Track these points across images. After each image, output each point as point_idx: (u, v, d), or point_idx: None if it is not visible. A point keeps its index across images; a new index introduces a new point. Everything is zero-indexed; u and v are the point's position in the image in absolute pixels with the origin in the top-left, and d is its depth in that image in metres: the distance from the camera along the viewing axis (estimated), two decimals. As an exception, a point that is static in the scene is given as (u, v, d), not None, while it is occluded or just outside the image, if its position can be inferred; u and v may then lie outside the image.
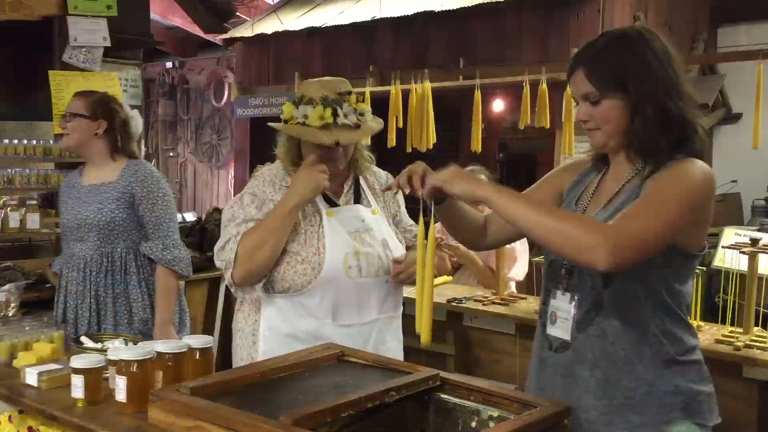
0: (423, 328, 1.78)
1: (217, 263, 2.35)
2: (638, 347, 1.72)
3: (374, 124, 2.39)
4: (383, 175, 2.57)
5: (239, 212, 2.33)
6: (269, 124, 2.41)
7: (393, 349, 2.42)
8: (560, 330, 1.81)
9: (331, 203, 2.39)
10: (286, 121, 2.33)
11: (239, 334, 2.43)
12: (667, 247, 1.65)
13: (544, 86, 5.02)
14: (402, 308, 2.51)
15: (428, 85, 5.38)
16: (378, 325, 2.37)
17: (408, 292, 2.56)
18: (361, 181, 2.48)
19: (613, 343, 1.73)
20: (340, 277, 2.28)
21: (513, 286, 4.19)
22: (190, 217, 7.04)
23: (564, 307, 1.80)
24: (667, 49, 1.71)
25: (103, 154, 3.02)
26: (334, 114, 2.26)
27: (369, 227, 2.38)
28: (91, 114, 2.98)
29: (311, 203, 2.34)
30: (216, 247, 2.35)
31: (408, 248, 2.50)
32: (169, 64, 10.62)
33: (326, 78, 2.41)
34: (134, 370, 1.78)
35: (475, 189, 1.68)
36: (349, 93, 2.33)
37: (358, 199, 2.45)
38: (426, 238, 1.79)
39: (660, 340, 1.72)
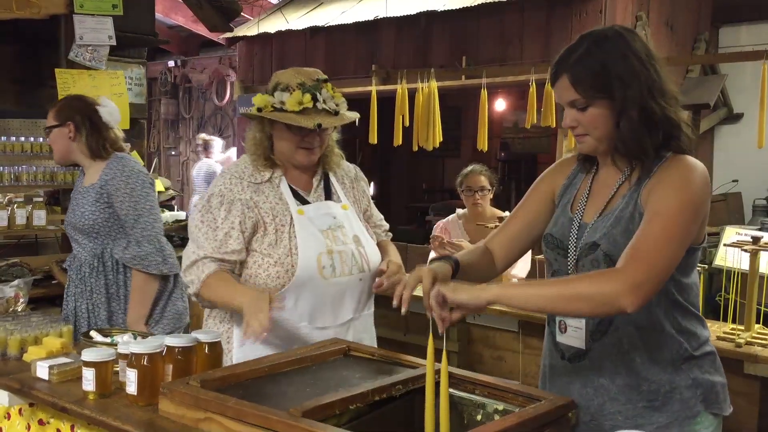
0: None
1: (184, 279, 2.27)
2: (656, 351, 1.73)
3: (351, 114, 2.35)
4: (352, 168, 2.52)
5: (207, 216, 2.25)
6: (241, 111, 2.38)
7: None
8: (573, 339, 1.80)
9: (301, 200, 2.32)
10: (259, 110, 2.25)
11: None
12: None
13: (549, 85, 5.04)
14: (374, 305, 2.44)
15: (434, 84, 5.40)
16: (354, 324, 2.32)
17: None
18: (331, 176, 2.42)
19: (629, 351, 1.73)
20: (314, 278, 2.21)
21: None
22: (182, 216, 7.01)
23: None
24: (647, 48, 1.70)
25: (86, 156, 3.02)
26: (314, 99, 2.21)
27: (341, 224, 2.32)
28: (59, 121, 3.00)
29: (281, 200, 2.28)
30: (184, 260, 2.26)
31: (378, 244, 2.44)
32: (171, 63, 10.65)
33: (299, 68, 2.34)
34: (145, 363, 1.80)
35: (480, 293, 1.64)
36: (326, 81, 2.29)
37: (328, 194, 2.38)
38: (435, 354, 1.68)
39: (676, 338, 1.73)
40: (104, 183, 2.93)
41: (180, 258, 4.05)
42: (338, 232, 2.30)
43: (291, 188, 2.32)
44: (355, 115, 2.36)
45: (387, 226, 2.58)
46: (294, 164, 2.33)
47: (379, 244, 2.46)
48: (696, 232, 1.66)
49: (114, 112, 3.09)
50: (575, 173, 1.90)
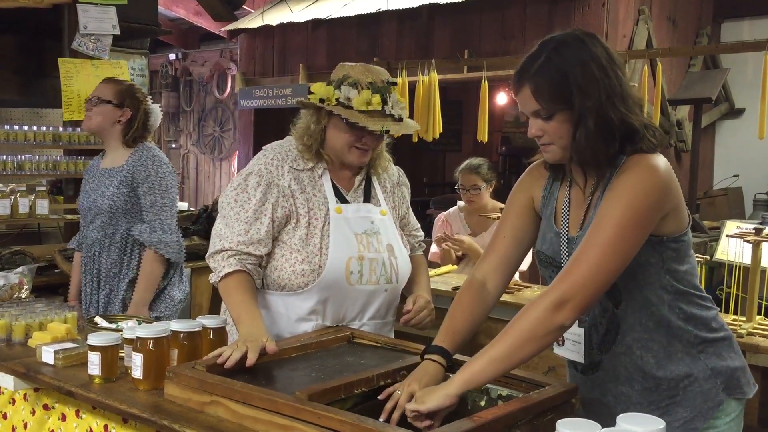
0: None
1: (208, 262, 2.18)
2: (667, 348, 1.72)
3: (412, 122, 2.25)
4: (395, 171, 2.42)
5: (242, 196, 2.15)
6: (298, 99, 2.24)
7: None
8: (571, 353, 1.80)
9: (341, 198, 2.23)
10: (322, 101, 2.14)
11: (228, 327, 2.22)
12: (653, 243, 1.65)
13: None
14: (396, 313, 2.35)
15: (435, 75, 5.39)
16: (364, 329, 2.22)
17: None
18: (373, 179, 2.33)
19: (642, 356, 1.72)
20: (339, 282, 2.15)
21: (517, 275, 4.22)
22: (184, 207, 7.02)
23: (572, 329, 1.77)
24: (608, 52, 1.67)
25: (119, 140, 3.10)
26: (383, 102, 2.10)
27: (377, 230, 2.24)
28: (118, 101, 3.08)
29: (320, 192, 2.21)
30: (211, 241, 2.17)
31: (411, 259, 2.37)
32: (172, 56, 10.63)
33: (368, 65, 2.22)
34: (150, 347, 1.81)
35: (447, 391, 1.60)
36: (394, 84, 2.19)
37: (367, 197, 2.29)
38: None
39: (685, 328, 1.72)
40: (132, 168, 3.01)
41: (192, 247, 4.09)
42: (373, 238, 2.22)
43: (332, 184, 2.23)
44: (416, 126, 2.30)
45: (422, 235, 2.50)
46: (344, 162, 2.23)
47: (412, 260, 2.37)
48: (642, 239, 1.62)
49: (158, 119, 3.22)
50: (551, 182, 1.86)
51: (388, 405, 1.66)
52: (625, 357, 1.74)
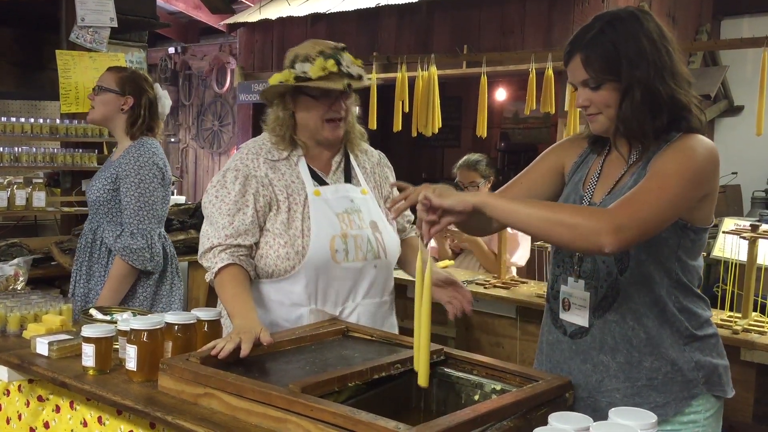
0: (420, 369, 1.62)
1: (201, 262, 2.20)
2: (658, 328, 1.73)
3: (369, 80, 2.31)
4: (375, 153, 2.46)
5: (221, 191, 2.19)
6: (261, 93, 2.28)
7: None
8: (576, 317, 1.81)
9: (320, 181, 2.26)
10: (281, 84, 2.20)
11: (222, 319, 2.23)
12: (677, 225, 1.67)
13: (550, 71, 5.02)
14: (394, 293, 2.39)
15: (434, 70, 5.38)
16: (360, 310, 2.25)
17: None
18: (352, 159, 2.36)
19: (633, 327, 1.74)
20: (325, 261, 2.17)
21: (514, 271, 4.22)
22: (182, 200, 7.02)
23: (578, 294, 1.80)
24: (660, 29, 1.71)
25: (124, 131, 3.01)
26: (338, 63, 2.16)
27: (358, 208, 2.26)
28: (120, 89, 2.98)
29: (297, 178, 2.24)
30: (200, 242, 2.19)
31: (403, 230, 2.41)
32: (171, 50, 10.62)
33: (315, 39, 2.29)
34: (144, 339, 1.81)
35: (467, 197, 1.63)
36: (344, 49, 2.23)
37: (348, 177, 2.32)
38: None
39: (678, 317, 1.74)
40: (119, 164, 2.91)
41: (177, 247, 4.05)
42: (355, 216, 2.24)
43: (310, 168, 2.26)
44: (372, 81, 2.33)
45: (412, 216, 2.48)
46: (319, 141, 2.26)
47: (406, 242, 2.41)
48: (693, 200, 1.66)
49: (167, 105, 3.12)
50: (587, 152, 1.90)
51: (398, 197, 1.71)
52: (616, 326, 1.76)
